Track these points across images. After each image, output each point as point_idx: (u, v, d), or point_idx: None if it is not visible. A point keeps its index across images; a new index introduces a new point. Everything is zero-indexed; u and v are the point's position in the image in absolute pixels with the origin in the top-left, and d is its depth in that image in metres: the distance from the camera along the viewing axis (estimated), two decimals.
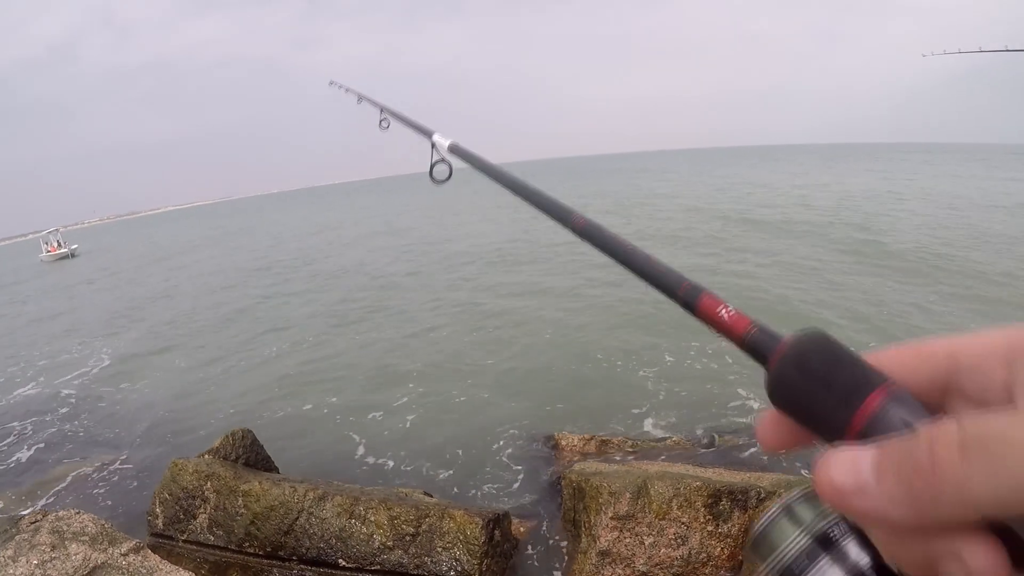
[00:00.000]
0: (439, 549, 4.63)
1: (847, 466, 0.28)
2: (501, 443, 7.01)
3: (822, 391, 0.32)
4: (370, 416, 8.36)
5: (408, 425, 7.96)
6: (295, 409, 8.86)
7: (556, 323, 12.01)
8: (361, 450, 7.23)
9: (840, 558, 0.36)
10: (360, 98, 3.62)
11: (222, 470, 5.33)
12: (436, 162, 1.95)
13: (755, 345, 0.42)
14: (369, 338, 12.30)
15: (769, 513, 0.40)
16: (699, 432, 6.73)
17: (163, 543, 5.37)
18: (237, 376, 10.85)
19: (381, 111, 3.03)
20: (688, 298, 0.53)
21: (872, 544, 0.36)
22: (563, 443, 6.23)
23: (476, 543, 4.59)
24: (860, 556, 0.36)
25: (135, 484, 6.74)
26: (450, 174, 1.98)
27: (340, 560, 4.82)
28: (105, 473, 7.05)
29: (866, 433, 0.31)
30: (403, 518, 4.75)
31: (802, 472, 5.29)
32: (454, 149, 1.79)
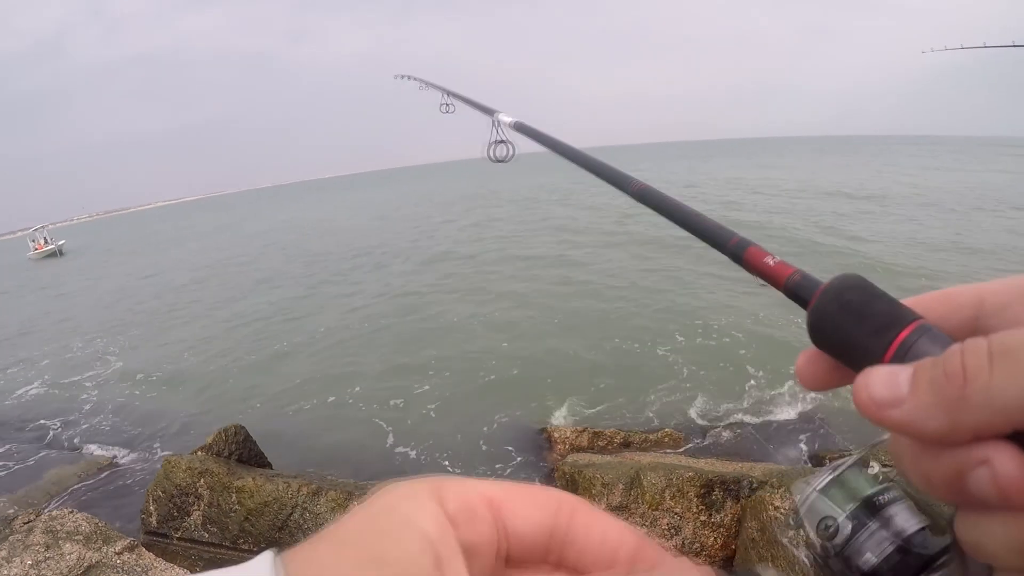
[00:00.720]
0: None
1: (885, 380, 0.29)
2: (494, 433, 7.06)
3: (858, 324, 0.34)
4: (362, 409, 8.40)
5: (400, 417, 8.00)
6: (286, 404, 8.88)
7: (546, 313, 12.09)
8: (354, 444, 7.26)
9: (885, 522, 0.40)
10: (423, 84, 3.70)
11: (215, 467, 5.35)
12: (496, 142, 1.97)
13: (796, 288, 0.46)
14: (359, 332, 12.35)
15: (818, 479, 0.43)
16: (692, 423, 6.78)
17: (157, 541, 5.40)
18: (227, 372, 10.85)
19: (443, 95, 3.07)
20: (737, 250, 0.58)
21: (914, 509, 0.40)
22: (556, 434, 6.28)
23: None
24: (905, 520, 0.40)
25: (129, 482, 6.75)
26: (511, 153, 2.00)
27: None
28: (99, 472, 7.06)
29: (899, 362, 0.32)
30: None
31: (797, 460, 5.34)
32: (518, 127, 1.78)
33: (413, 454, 7.01)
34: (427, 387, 9.00)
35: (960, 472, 0.26)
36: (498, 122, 1.95)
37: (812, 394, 7.22)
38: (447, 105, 3.10)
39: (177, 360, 12.07)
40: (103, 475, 6.96)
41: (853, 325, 0.34)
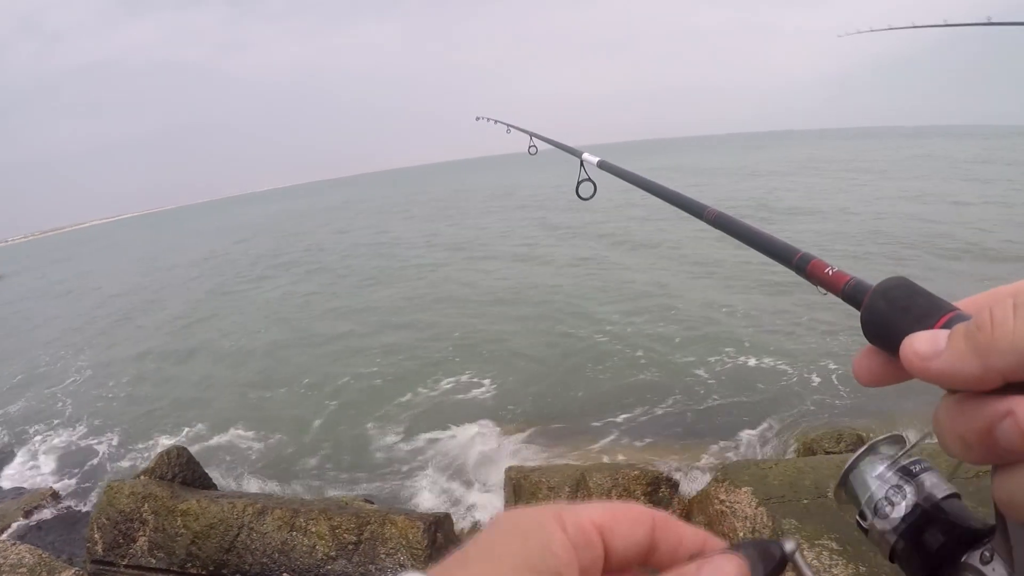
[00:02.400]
0: (382, 556, 4.66)
1: (928, 338, 0.34)
2: (439, 443, 7.05)
3: (903, 316, 0.39)
4: (305, 425, 8.35)
5: (342, 431, 7.96)
6: (228, 423, 8.76)
7: (489, 316, 12.12)
8: (299, 460, 7.21)
9: (917, 487, 0.45)
10: (509, 128, 3.93)
11: (159, 490, 5.27)
12: (582, 181, 2.16)
13: (852, 292, 0.55)
14: (299, 348, 12.32)
15: (857, 453, 0.49)
16: (637, 422, 6.81)
17: (104, 569, 5.32)
18: (164, 394, 10.66)
19: (531, 137, 3.26)
20: (801, 264, 0.69)
21: (941, 478, 0.46)
22: (503, 439, 6.29)
23: (419, 547, 4.63)
24: (934, 485, 0.45)
25: (73, 510, 6.64)
26: (594, 192, 2.19)
27: (284, 573, 4.82)
28: (41, 501, 6.90)
29: None
30: (344, 527, 4.76)
31: (742, 453, 5.40)
32: (603, 165, 1.98)
33: (354, 468, 6.96)
34: (365, 401, 8.96)
35: (990, 426, 0.30)
36: (584, 162, 2.14)
37: (759, 386, 7.37)
38: (533, 147, 3.31)
39: (114, 383, 11.81)
40: (46, 505, 6.82)
41: (899, 317, 0.39)
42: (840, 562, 3.27)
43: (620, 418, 6.97)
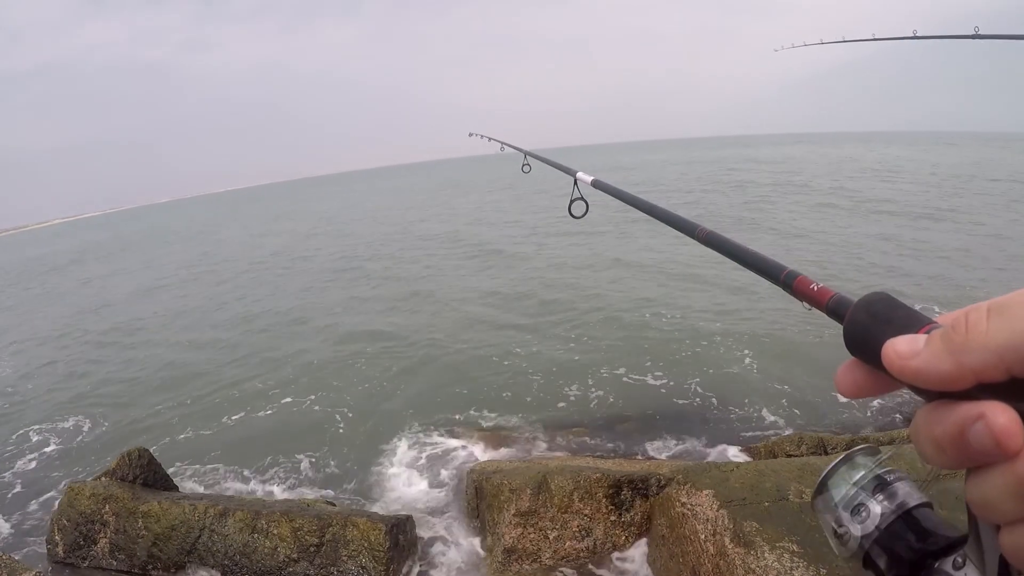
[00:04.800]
0: (344, 558, 4.72)
1: (908, 340, 0.37)
2: (401, 443, 7.10)
3: (884, 328, 0.40)
4: (267, 425, 8.37)
5: (305, 431, 8.00)
6: (189, 423, 8.77)
7: (456, 316, 12.20)
8: (260, 461, 7.21)
9: (891, 496, 0.49)
10: (503, 146, 4.01)
11: (120, 492, 5.30)
12: (575, 199, 2.20)
13: (836, 307, 0.56)
14: (254, 342, 12.36)
15: (834, 463, 0.52)
16: (599, 424, 6.91)
17: (65, 571, 5.35)
18: (125, 394, 10.63)
19: (525, 156, 3.36)
20: (788, 280, 0.71)
21: (914, 487, 0.49)
22: (464, 440, 6.36)
23: (381, 549, 4.69)
24: (907, 494, 0.48)
25: (33, 510, 6.63)
26: (587, 210, 2.24)
27: None
28: (1, 502, 6.93)
29: None
30: (306, 529, 4.81)
31: (703, 456, 5.48)
32: (596, 184, 2.01)
33: (316, 469, 7.01)
34: (321, 402, 9.00)
35: (963, 428, 0.32)
36: (578, 181, 2.17)
37: (720, 390, 7.48)
38: (527, 165, 3.39)
39: (74, 382, 11.76)
40: (5, 505, 6.83)
41: (880, 329, 0.40)
42: (801, 564, 3.33)
43: (583, 421, 7.06)
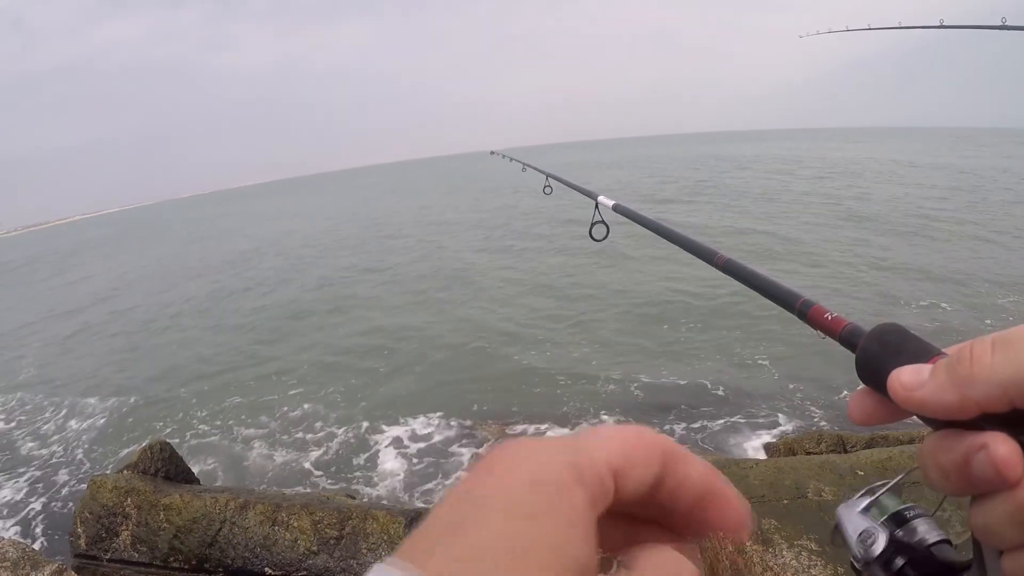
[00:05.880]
0: (364, 551, 4.77)
1: (912, 371, 0.37)
2: (421, 439, 7.17)
3: (895, 358, 0.42)
4: (287, 419, 8.47)
5: (325, 428, 8.08)
6: (211, 418, 8.89)
7: (476, 319, 12.25)
8: (281, 455, 7.33)
9: (910, 532, 0.50)
10: (525, 167, 4.05)
11: (142, 485, 5.39)
12: (596, 223, 2.21)
13: (849, 336, 0.58)
14: (279, 340, 12.46)
15: (855, 497, 0.54)
16: (618, 420, 6.95)
17: (87, 564, 5.43)
18: (148, 390, 10.78)
19: (547, 177, 3.35)
20: (803, 309, 0.73)
21: (935, 525, 0.50)
22: (482, 437, 6.40)
23: (400, 542, 4.73)
24: (926, 532, 0.50)
25: (56, 505, 6.76)
26: (607, 234, 2.25)
27: (266, 568, 4.93)
28: (25, 495, 7.05)
29: None
30: (326, 522, 4.87)
31: (722, 453, 5.50)
32: (617, 208, 2.01)
33: (336, 463, 7.09)
34: (343, 399, 9.08)
35: (967, 458, 0.33)
36: (599, 205, 2.17)
37: (740, 389, 7.50)
38: (548, 187, 3.39)
39: (99, 376, 11.93)
40: (30, 499, 6.95)
41: (891, 359, 0.42)
42: (819, 563, 3.33)
43: (600, 417, 7.11)
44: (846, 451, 5.31)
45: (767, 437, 6.21)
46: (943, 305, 10.92)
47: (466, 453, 6.56)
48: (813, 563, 3.35)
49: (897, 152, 56.48)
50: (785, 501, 3.98)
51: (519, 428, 6.86)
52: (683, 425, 6.77)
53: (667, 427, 6.67)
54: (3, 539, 5.35)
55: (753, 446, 5.88)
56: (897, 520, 0.51)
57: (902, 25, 4.28)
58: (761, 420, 6.71)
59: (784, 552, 3.49)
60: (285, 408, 8.82)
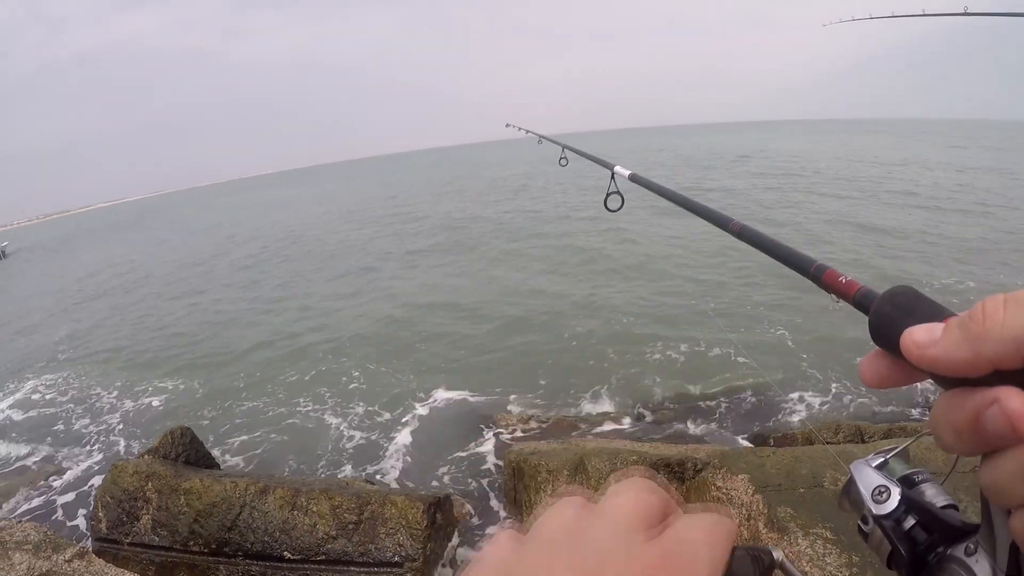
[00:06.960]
0: (382, 535, 4.84)
1: (924, 329, 0.38)
2: (441, 425, 7.24)
3: (908, 318, 0.42)
4: (307, 406, 8.57)
5: (345, 412, 8.18)
6: (232, 404, 9.01)
7: (493, 304, 12.34)
8: (301, 440, 7.41)
9: (918, 494, 0.51)
10: (541, 139, 4.06)
11: (162, 469, 5.48)
12: (611, 193, 2.23)
13: (862, 299, 0.60)
14: (302, 330, 12.57)
15: (865, 459, 0.55)
16: (636, 408, 7.00)
17: (108, 547, 5.53)
18: (171, 374, 10.94)
19: (563, 149, 3.37)
20: (817, 273, 0.76)
21: (940, 490, 0.51)
22: (503, 423, 6.47)
23: (418, 527, 4.80)
24: (934, 495, 0.51)
25: (78, 489, 6.87)
26: (622, 204, 2.28)
27: (285, 552, 5.01)
28: (47, 480, 7.18)
29: None
30: (345, 507, 4.94)
31: (740, 441, 5.54)
32: (634, 178, 2.04)
33: (359, 448, 7.18)
34: (363, 381, 9.20)
35: (979, 413, 0.33)
36: (615, 175, 2.18)
37: (758, 378, 7.53)
38: (564, 159, 3.42)
39: (122, 361, 12.12)
40: (52, 483, 7.08)
41: (903, 320, 0.42)
42: (834, 551, 3.35)
43: (619, 404, 7.17)
44: (864, 441, 5.34)
45: (784, 426, 6.23)
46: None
47: (487, 440, 6.61)
48: (828, 551, 3.37)
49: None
50: (801, 490, 4.01)
51: (534, 412, 6.93)
52: (698, 413, 6.84)
53: (688, 420, 6.70)
54: (25, 522, 5.46)
55: (770, 435, 5.90)
56: (907, 483, 0.52)
57: (926, 13, 4.32)
58: (778, 408, 6.72)
59: (800, 540, 3.52)
60: (308, 396, 8.93)
